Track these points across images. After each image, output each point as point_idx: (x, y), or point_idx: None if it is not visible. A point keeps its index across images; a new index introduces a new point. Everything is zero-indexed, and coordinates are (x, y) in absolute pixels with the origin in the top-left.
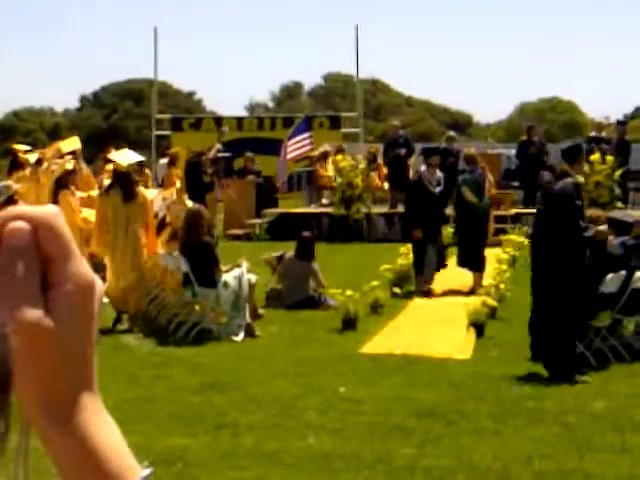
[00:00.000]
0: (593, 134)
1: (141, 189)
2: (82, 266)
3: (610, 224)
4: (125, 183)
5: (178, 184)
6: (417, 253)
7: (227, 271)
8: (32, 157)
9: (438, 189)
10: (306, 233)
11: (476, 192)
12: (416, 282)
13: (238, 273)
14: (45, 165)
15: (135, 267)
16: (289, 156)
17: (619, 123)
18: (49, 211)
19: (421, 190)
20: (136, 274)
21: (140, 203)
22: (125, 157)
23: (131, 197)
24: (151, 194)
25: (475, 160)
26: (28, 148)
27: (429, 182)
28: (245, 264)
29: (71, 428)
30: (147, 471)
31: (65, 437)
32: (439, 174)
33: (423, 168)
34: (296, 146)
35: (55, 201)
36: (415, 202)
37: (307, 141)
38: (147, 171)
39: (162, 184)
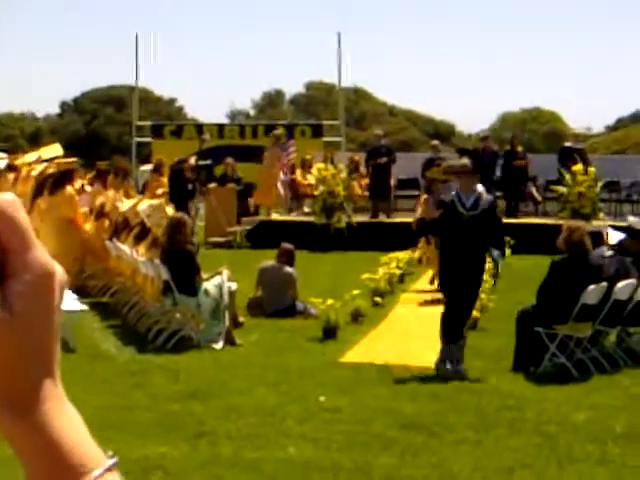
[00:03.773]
0: (568, 144)
1: (68, 188)
2: (41, 256)
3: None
4: (52, 180)
5: (160, 191)
6: (448, 306)
7: (208, 279)
8: (1, 163)
9: (475, 212)
10: (287, 244)
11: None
12: (441, 353)
13: (219, 281)
14: (24, 173)
15: (61, 248)
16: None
17: (482, 139)
18: (6, 201)
19: (449, 212)
20: (64, 254)
21: (64, 198)
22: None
23: (54, 192)
24: (127, 203)
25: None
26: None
27: (459, 200)
28: (225, 272)
29: (33, 419)
30: (111, 461)
31: (27, 428)
32: (480, 190)
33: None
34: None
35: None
36: (440, 228)
37: (291, 149)
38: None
39: (143, 191)
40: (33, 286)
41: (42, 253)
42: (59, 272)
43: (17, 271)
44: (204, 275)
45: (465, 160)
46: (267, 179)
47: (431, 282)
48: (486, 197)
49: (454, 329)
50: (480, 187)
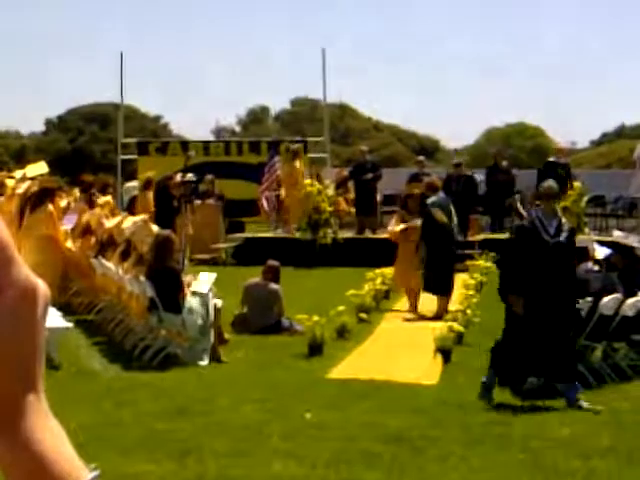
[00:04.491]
0: (552, 159)
1: (49, 205)
2: (24, 271)
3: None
4: (33, 198)
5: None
6: (506, 343)
7: (195, 294)
8: None
9: (559, 238)
10: (273, 261)
11: (445, 215)
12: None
13: (205, 298)
14: (9, 190)
15: (43, 265)
16: (263, 187)
17: (456, 166)
18: None
19: (529, 237)
20: (46, 272)
21: (45, 215)
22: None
23: (35, 209)
24: (113, 220)
25: (437, 187)
26: None
27: (542, 226)
28: (211, 282)
29: (16, 434)
30: (93, 474)
31: (10, 443)
32: (559, 216)
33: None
34: (268, 176)
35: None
36: (517, 256)
37: (276, 165)
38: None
39: (128, 208)
40: (17, 302)
41: (24, 269)
42: (42, 287)
43: (0, 287)
44: (192, 280)
45: (551, 182)
46: (291, 195)
47: (413, 309)
48: (567, 222)
49: (519, 369)
50: (559, 214)
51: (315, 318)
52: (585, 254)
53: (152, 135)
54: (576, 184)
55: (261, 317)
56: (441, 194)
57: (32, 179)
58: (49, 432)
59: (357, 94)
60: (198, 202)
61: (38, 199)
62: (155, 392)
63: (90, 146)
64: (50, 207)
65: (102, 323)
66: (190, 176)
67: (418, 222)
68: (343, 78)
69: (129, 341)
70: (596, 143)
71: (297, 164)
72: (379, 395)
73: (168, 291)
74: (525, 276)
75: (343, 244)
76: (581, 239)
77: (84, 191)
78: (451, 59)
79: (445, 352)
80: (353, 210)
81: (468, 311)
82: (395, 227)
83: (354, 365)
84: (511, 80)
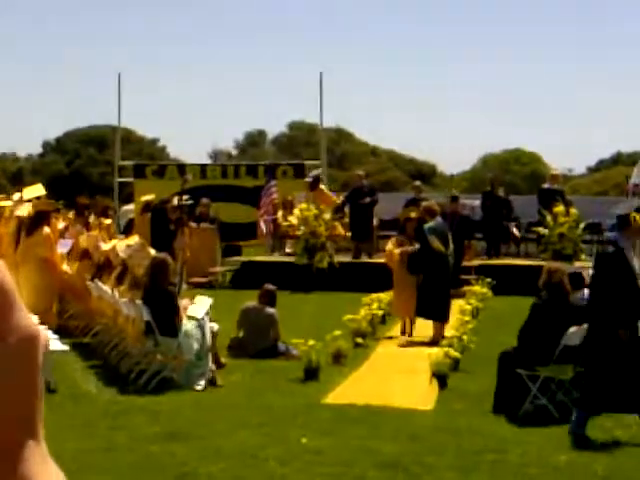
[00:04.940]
0: (546, 186)
1: (45, 228)
2: (25, 318)
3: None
4: (29, 221)
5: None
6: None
7: (191, 317)
8: None
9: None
10: (269, 285)
11: (442, 241)
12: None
13: (202, 321)
14: (6, 213)
15: (40, 288)
16: (262, 212)
17: (452, 200)
18: None
19: (620, 265)
20: (43, 295)
21: (41, 238)
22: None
23: (31, 232)
24: (110, 243)
25: (435, 212)
26: None
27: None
28: (207, 305)
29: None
30: None
31: None
32: None
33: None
34: (265, 200)
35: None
36: (606, 284)
37: (273, 189)
38: (109, 221)
39: (125, 231)
40: (18, 349)
41: (26, 315)
42: (42, 334)
43: (1, 334)
44: (186, 302)
45: None
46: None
47: (403, 332)
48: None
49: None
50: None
51: (311, 342)
52: (581, 281)
53: (149, 158)
54: (573, 210)
55: (257, 341)
56: (439, 219)
57: (29, 201)
58: (49, 478)
59: (354, 118)
60: (194, 225)
61: (34, 222)
62: (151, 416)
63: (87, 169)
64: (46, 230)
65: (98, 346)
66: (186, 198)
67: (415, 247)
68: (340, 102)
69: (125, 365)
70: (592, 170)
71: (323, 188)
72: (375, 420)
73: (164, 315)
74: (627, 306)
75: (339, 268)
76: (577, 266)
77: (80, 214)
78: (449, 84)
79: (441, 378)
80: (350, 234)
81: (464, 337)
82: (393, 249)
83: (350, 390)
84: (509, 106)
